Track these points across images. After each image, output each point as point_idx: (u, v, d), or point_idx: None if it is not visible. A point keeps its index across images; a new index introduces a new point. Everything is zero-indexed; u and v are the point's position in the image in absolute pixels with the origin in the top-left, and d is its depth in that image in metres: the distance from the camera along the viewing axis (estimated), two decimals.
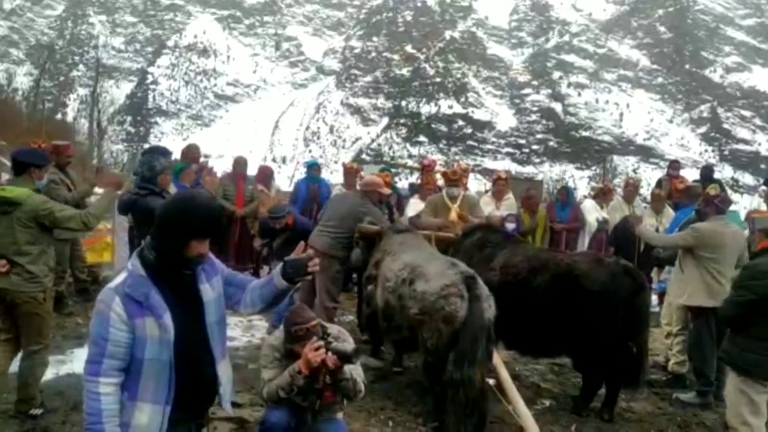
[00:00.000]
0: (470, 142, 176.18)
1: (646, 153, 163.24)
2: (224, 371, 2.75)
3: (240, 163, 9.31)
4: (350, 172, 9.19)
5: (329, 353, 3.44)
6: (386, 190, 7.15)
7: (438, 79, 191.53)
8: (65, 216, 4.67)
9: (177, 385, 2.55)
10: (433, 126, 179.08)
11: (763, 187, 5.99)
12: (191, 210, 2.53)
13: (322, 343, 3.47)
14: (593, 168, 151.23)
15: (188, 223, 2.51)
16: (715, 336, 5.96)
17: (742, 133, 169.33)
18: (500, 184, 9.19)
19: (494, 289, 5.28)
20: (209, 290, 2.68)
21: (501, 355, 6.60)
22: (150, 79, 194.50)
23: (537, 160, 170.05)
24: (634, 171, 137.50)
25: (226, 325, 2.80)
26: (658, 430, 5.39)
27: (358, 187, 7.67)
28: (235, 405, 4.93)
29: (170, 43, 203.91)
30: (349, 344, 3.72)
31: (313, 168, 9.94)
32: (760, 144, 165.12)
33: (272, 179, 9.61)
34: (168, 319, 2.51)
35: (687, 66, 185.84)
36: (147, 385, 2.52)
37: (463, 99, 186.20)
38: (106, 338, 2.45)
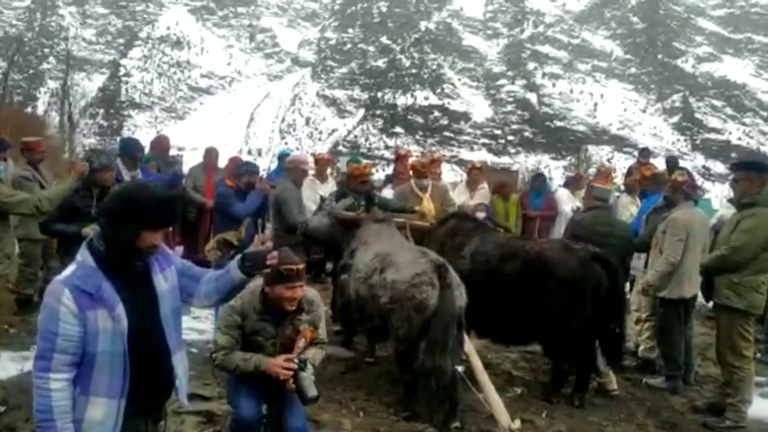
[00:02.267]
0: (446, 133, 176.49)
1: (620, 142, 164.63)
2: (180, 364, 2.69)
3: (210, 154, 9.17)
4: (321, 163, 9.10)
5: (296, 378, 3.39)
6: (310, 166, 7.07)
7: (414, 71, 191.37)
8: (14, 201, 4.59)
9: (132, 379, 2.48)
10: (409, 117, 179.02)
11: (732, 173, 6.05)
12: (142, 199, 2.45)
13: (295, 366, 3.40)
14: (568, 158, 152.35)
15: (139, 213, 2.43)
16: (683, 321, 6.03)
17: (713, 122, 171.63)
18: (474, 173, 9.20)
19: (464, 276, 5.30)
20: (163, 282, 2.61)
21: (474, 344, 6.66)
22: (122, 71, 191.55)
23: (513, 151, 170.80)
24: (608, 160, 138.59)
25: (181, 317, 2.74)
26: (627, 415, 5.44)
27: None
28: (203, 398, 4.90)
29: (143, 35, 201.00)
30: (311, 388, 3.45)
31: (284, 158, 9.82)
32: (730, 133, 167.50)
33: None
34: (121, 310, 2.43)
35: (659, 56, 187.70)
36: (100, 380, 2.43)
37: (438, 90, 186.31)
38: (56, 332, 2.36)
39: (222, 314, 3.76)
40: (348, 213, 6.23)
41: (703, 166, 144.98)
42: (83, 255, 2.49)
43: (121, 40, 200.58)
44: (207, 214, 8.67)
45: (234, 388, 3.81)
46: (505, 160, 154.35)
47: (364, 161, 9.02)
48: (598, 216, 6.35)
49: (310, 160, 7.57)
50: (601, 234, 6.01)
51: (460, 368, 4.58)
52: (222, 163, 9.91)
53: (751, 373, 5.33)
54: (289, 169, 6.82)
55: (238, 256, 2.71)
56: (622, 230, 6.39)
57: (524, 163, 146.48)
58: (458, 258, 5.79)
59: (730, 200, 5.75)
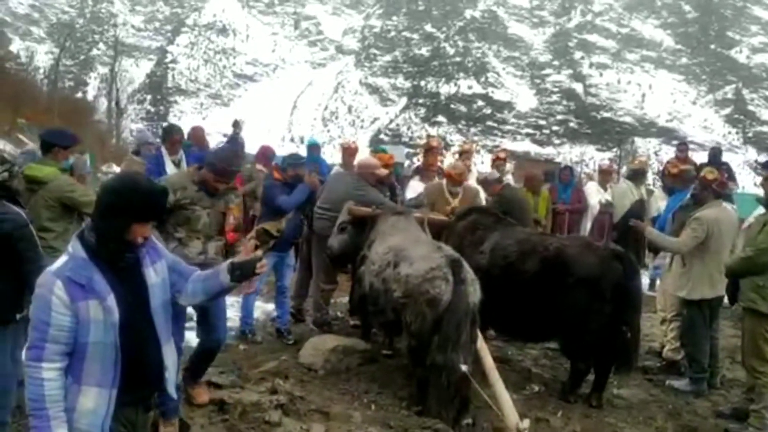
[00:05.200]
0: (490, 123, 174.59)
1: (669, 135, 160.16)
2: (169, 355, 2.72)
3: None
4: (348, 153, 9.00)
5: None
6: (383, 171, 7.02)
7: (458, 59, 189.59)
8: (87, 201, 4.72)
9: (122, 369, 2.52)
10: (452, 106, 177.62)
11: (763, 171, 5.82)
12: (132, 192, 2.50)
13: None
14: (614, 150, 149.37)
15: (129, 206, 2.48)
16: (708, 322, 5.86)
17: (767, 115, 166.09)
18: (499, 164, 8.99)
19: (483, 272, 5.24)
20: (153, 274, 2.65)
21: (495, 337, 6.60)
22: (169, 57, 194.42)
23: (557, 142, 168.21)
24: (656, 153, 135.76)
25: (171, 309, 2.76)
26: (646, 418, 5.32)
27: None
28: (216, 386, 4.95)
29: (189, 22, 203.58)
30: None
31: (312, 148, 9.81)
32: None
33: (273, 160, 9.47)
34: (112, 301, 2.48)
35: (712, 46, 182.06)
36: (92, 369, 2.48)
37: (483, 79, 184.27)
38: (48, 323, 2.41)
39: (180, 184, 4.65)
40: (363, 209, 6.19)
41: (755, 161, 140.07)
42: (74, 247, 2.53)
43: (168, 27, 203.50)
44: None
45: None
46: (549, 150, 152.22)
47: (391, 151, 8.92)
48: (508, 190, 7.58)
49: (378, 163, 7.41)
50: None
51: (464, 367, 4.51)
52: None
53: None
54: (363, 174, 6.79)
55: (228, 262, 2.74)
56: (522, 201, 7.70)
57: (569, 154, 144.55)
58: (477, 253, 5.74)
59: (758, 200, 5.53)
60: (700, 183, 5.94)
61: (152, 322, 2.64)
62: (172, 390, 2.78)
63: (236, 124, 8.12)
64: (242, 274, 2.70)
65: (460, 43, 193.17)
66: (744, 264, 5.06)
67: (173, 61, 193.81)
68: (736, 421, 5.28)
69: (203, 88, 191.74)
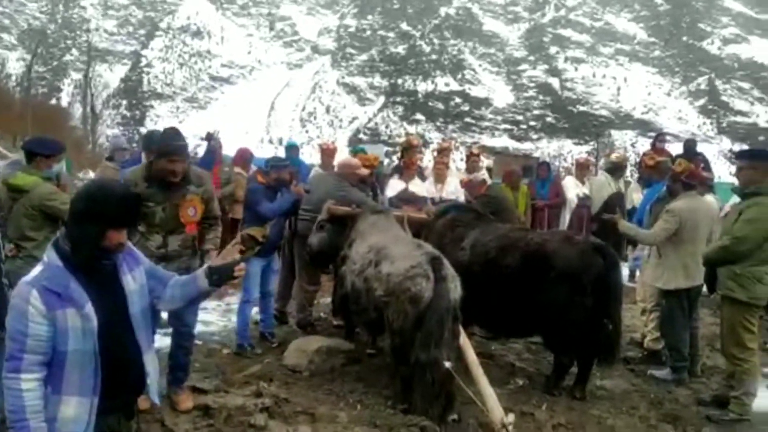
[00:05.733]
0: (467, 120, 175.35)
1: (644, 127, 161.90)
2: (151, 362, 2.70)
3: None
4: (327, 153, 8.99)
5: None
6: (364, 171, 7.01)
7: (434, 57, 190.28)
8: (66, 209, 4.68)
9: (103, 376, 2.49)
10: (429, 104, 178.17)
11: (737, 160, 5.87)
12: (106, 198, 2.48)
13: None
14: (591, 143, 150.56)
15: (103, 212, 2.45)
16: (687, 312, 5.94)
17: (740, 105, 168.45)
18: (473, 160, 9.05)
19: (464, 268, 5.25)
20: (131, 281, 2.63)
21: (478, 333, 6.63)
22: (144, 62, 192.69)
23: (535, 136, 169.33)
24: (632, 145, 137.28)
25: (150, 316, 2.74)
26: (629, 407, 5.36)
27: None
28: (201, 391, 4.92)
29: (163, 25, 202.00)
30: None
31: (291, 149, 9.78)
32: (758, 116, 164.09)
33: (251, 162, 9.44)
34: (90, 309, 2.45)
35: (684, 38, 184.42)
36: (72, 378, 2.45)
37: (459, 76, 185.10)
38: (26, 333, 2.38)
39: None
40: (343, 208, 6.18)
41: (730, 150, 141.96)
42: (50, 255, 2.50)
43: (142, 31, 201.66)
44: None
45: None
46: (527, 146, 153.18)
47: (371, 152, 8.91)
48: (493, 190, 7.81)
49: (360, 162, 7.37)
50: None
51: (447, 364, 4.52)
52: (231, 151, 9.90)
53: (756, 366, 5.22)
54: (344, 174, 6.77)
55: (206, 266, 2.72)
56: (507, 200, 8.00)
57: (546, 148, 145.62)
58: (458, 250, 5.76)
59: (734, 189, 5.61)
60: (671, 176, 6.03)
61: (132, 329, 2.61)
62: (154, 397, 2.76)
63: (210, 137, 8.04)
64: (220, 278, 2.69)
65: (436, 41, 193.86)
66: (721, 253, 5.13)
67: (148, 65, 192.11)
68: (717, 407, 5.35)
69: (179, 91, 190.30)
